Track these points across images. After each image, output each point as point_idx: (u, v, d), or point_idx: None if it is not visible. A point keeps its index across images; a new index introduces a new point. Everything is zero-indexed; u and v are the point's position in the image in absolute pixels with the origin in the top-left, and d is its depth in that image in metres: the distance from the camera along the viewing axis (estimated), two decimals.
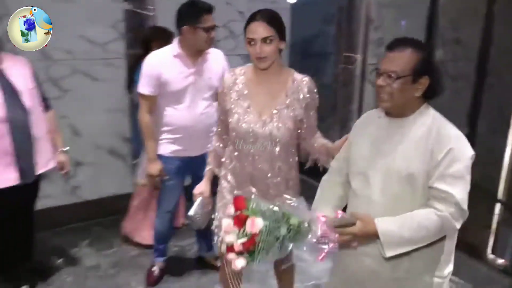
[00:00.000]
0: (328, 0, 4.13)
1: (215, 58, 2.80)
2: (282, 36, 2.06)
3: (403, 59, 1.64)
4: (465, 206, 1.64)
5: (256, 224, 1.57)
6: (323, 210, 1.83)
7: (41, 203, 3.36)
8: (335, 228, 1.65)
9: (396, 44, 1.69)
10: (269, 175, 2.18)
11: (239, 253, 1.60)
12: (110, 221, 3.86)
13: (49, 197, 3.57)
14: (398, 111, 1.73)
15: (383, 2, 3.87)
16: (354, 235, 1.65)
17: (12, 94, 2.55)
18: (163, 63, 2.68)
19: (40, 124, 2.70)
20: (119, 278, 3.19)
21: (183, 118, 2.74)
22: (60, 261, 3.34)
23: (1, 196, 2.58)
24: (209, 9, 2.64)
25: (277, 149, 2.14)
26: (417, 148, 1.67)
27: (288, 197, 1.76)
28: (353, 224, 1.65)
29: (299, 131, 2.20)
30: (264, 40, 2.00)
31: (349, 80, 3.87)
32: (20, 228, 2.92)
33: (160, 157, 2.83)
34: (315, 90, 2.17)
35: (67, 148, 2.95)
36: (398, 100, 1.67)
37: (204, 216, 2.29)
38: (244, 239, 1.58)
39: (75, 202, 3.82)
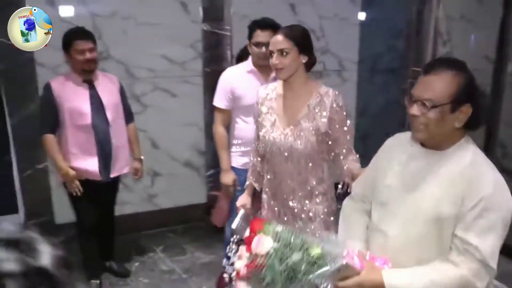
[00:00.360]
0: (397, 15, 4.14)
1: None
2: (303, 50, 2.09)
3: (441, 84, 1.39)
4: (493, 263, 1.38)
5: (262, 242, 1.40)
6: (351, 244, 1.61)
7: (121, 209, 3.67)
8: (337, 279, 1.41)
9: (432, 66, 1.44)
10: (294, 188, 2.20)
11: (247, 279, 1.45)
12: (183, 229, 4.07)
13: (128, 204, 3.88)
14: (434, 143, 1.49)
15: (452, 16, 3.84)
16: (359, 286, 1.42)
17: (98, 107, 2.92)
18: (236, 79, 2.82)
19: (120, 134, 3.05)
20: (191, 283, 3.33)
21: (254, 131, 2.83)
22: (137, 263, 3.56)
23: (85, 190, 2.93)
24: (262, 25, 2.70)
25: (301, 162, 2.15)
26: (449, 188, 1.42)
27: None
28: (358, 273, 1.42)
29: (325, 144, 2.16)
30: (280, 52, 2.06)
31: None
32: (103, 228, 3.24)
33: (232, 169, 2.94)
34: (340, 103, 2.13)
35: (143, 157, 3.25)
36: (434, 131, 1.43)
37: (245, 228, 2.36)
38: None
39: (152, 210, 4.05)
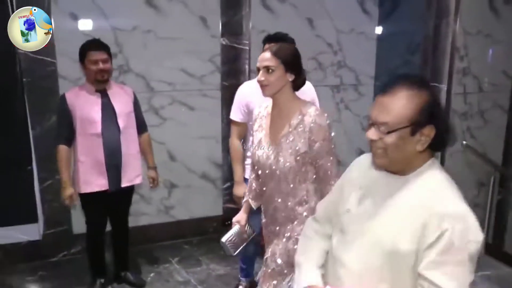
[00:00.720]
0: (414, 30, 4.15)
1: (304, 89, 2.90)
2: (289, 68, 2.07)
3: (398, 106, 1.27)
4: None
5: None
6: (308, 270, 1.58)
7: (138, 220, 3.75)
8: None
9: (389, 85, 1.32)
10: (277, 207, 2.17)
11: None
12: (199, 240, 4.09)
13: (145, 215, 3.94)
14: (396, 168, 1.36)
15: (469, 31, 3.85)
16: None
17: (110, 115, 2.98)
18: (252, 92, 2.84)
19: (131, 143, 3.09)
20: None
21: None
22: (153, 274, 3.58)
23: (94, 200, 3.03)
24: (268, 39, 2.80)
25: (282, 181, 2.11)
26: (410, 219, 1.29)
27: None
28: None
29: (309, 165, 2.08)
30: (266, 69, 2.05)
31: None
32: (117, 238, 3.33)
33: (245, 180, 2.94)
34: (320, 123, 2.03)
35: (156, 166, 3.31)
36: (394, 156, 1.31)
37: (237, 244, 2.35)
38: None
39: (168, 221, 4.08)
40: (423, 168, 1.34)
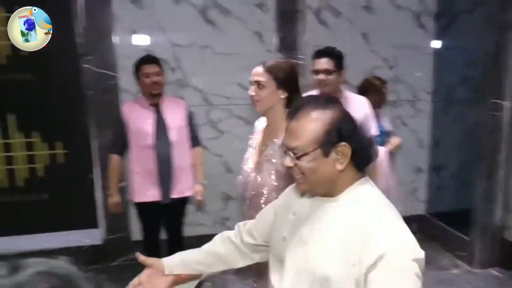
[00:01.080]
0: (473, 44, 4.04)
1: (359, 104, 2.90)
2: (282, 85, 1.99)
3: (303, 129, 1.24)
4: None
5: None
6: (176, 268, 1.55)
7: (194, 230, 3.84)
8: None
9: (294, 110, 1.28)
10: None
11: None
12: None
13: (202, 226, 4.05)
14: (323, 191, 1.31)
15: None
16: None
17: (162, 128, 3.07)
18: None
19: (182, 156, 3.15)
20: None
21: None
22: (209, 284, 3.62)
23: (148, 209, 3.15)
24: (318, 53, 2.82)
25: (261, 201, 2.01)
26: (339, 243, 1.21)
27: None
28: None
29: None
30: (257, 84, 2.00)
31: (496, 128, 3.70)
32: (171, 248, 3.36)
33: None
34: None
35: (205, 182, 3.31)
36: (314, 180, 1.27)
37: None
38: None
39: None
40: (353, 188, 1.28)
